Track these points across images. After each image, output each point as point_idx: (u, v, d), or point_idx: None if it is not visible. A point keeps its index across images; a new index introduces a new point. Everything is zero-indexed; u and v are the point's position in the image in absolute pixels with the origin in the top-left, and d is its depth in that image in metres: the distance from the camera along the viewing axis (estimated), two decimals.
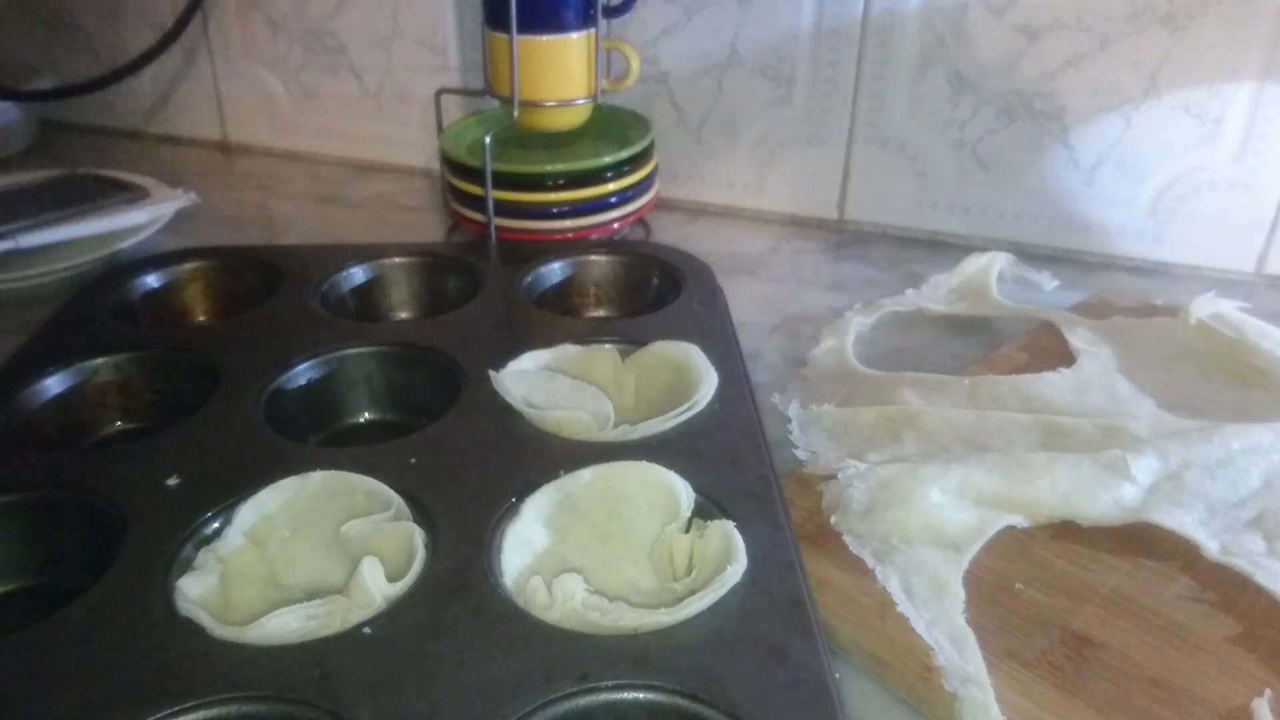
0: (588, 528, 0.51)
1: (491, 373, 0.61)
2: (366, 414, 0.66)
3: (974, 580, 0.48)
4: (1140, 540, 0.50)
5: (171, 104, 1.18)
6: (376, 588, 0.45)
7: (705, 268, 0.78)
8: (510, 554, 0.48)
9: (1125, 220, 0.83)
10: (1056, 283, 0.81)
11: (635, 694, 0.40)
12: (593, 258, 0.79)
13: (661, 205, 0.95)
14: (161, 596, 0.45)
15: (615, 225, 0.84)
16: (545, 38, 0.80)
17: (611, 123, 0.91)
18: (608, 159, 0.82)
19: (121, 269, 0.78)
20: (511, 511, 0.50)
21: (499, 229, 0.82)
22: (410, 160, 1.08)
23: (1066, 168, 0.83)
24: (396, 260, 0.79)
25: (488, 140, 0.78)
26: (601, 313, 0.79)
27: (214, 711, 0.40)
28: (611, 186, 0.82)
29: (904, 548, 0.49)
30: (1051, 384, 0.63)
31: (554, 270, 0.78)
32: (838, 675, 0.41)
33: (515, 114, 0.82)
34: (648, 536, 0.50)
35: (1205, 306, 0.69)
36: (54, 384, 0.63)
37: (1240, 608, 0.46)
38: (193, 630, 0.43)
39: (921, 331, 0.75)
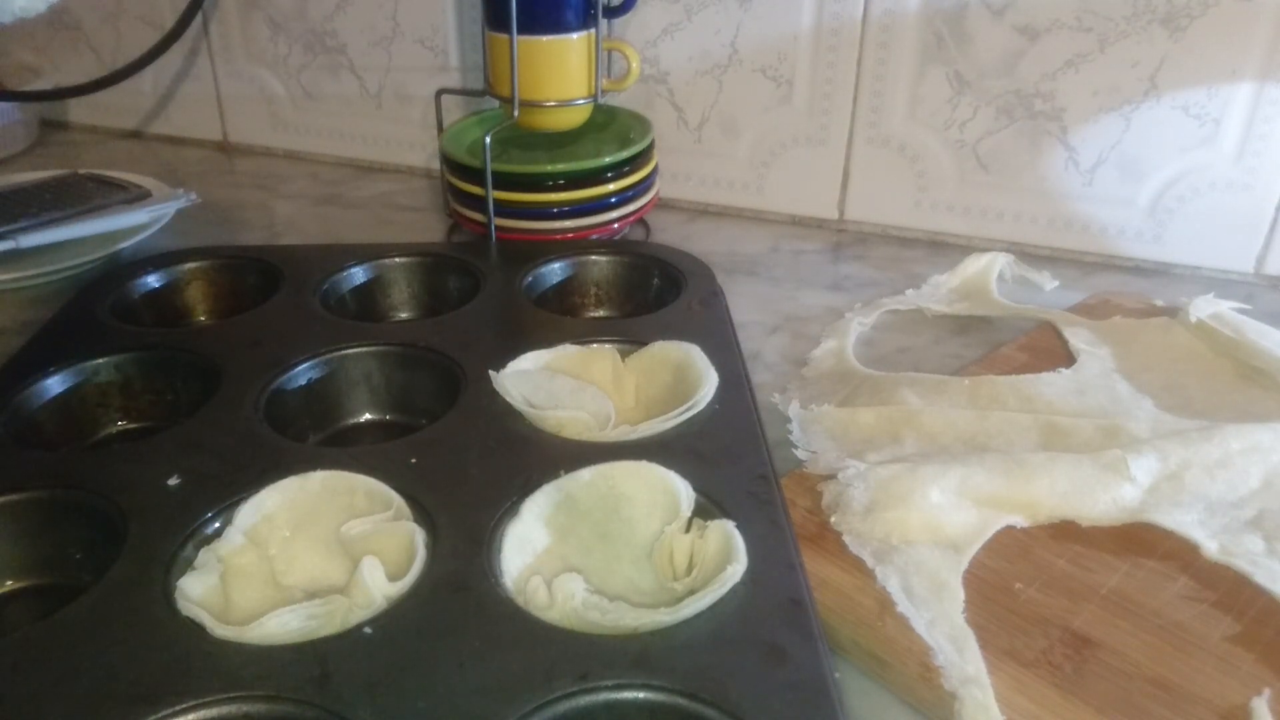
0: (588, 527, 0.51)
1: (491, 373, 0.61)
2: (366, 414, 0.66)
3: (974, 580, 0.48)
4: (1140, 540, 0.50)
5: (172, 104, 1.18)
6: (377, 587, 0.45)
7: (705, 268, 0.78)
8: (510, 554, 0.48)
9: (1125, 220, 0.83)
10: (1056, 283, 0.81)
11: (635, 694, 0.40)
12: (593, 258, 0.79)
13: (661, 205, 0.95)
14: (162, 596, 0.45)
15: (615, 225, 0.84)
16: (545, 38, 0.80)
17: (611, 123, 0.91)
18: (608, 159, 0.82)
19: (122, 269, 0.78)
20: (511, 511, 0.50)
21: (499, 229, 0.82)
22: (410, 160, 1.09)
23: (1066, 168, 0.83)
24: (396, 260, 0.79)
25: (488, 140, 0.78)
26: (601, 313, 0.80)
27: (214, 711, 0.40)
28: (611, 186, 0.82)
29: (904, 548, 0.49)
30: (1051, 384, 0.63)
31: (554, 270, 0.78)
32: (838, 675, 0.41)
33: (515, 114, 0.82)
34: (648, 536, 0.50)
35: (1205, 307, 0.69)
36: (54, 384, 0.63)
37: (1239, 607, 0.46)
38: (193, 630, 0.43)
39: (921, 331, 0.75)
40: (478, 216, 0.83)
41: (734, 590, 0.44)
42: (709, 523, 0.49)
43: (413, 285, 0.79)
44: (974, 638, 0.44)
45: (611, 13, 0.87)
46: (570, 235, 0.82)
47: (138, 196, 0.90)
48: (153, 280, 0.77)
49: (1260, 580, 0.47)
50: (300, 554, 0.50)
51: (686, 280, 0.75)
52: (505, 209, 0.82)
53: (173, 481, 0.52)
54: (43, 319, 0.71)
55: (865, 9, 0.84)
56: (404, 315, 0.79)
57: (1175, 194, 0.81)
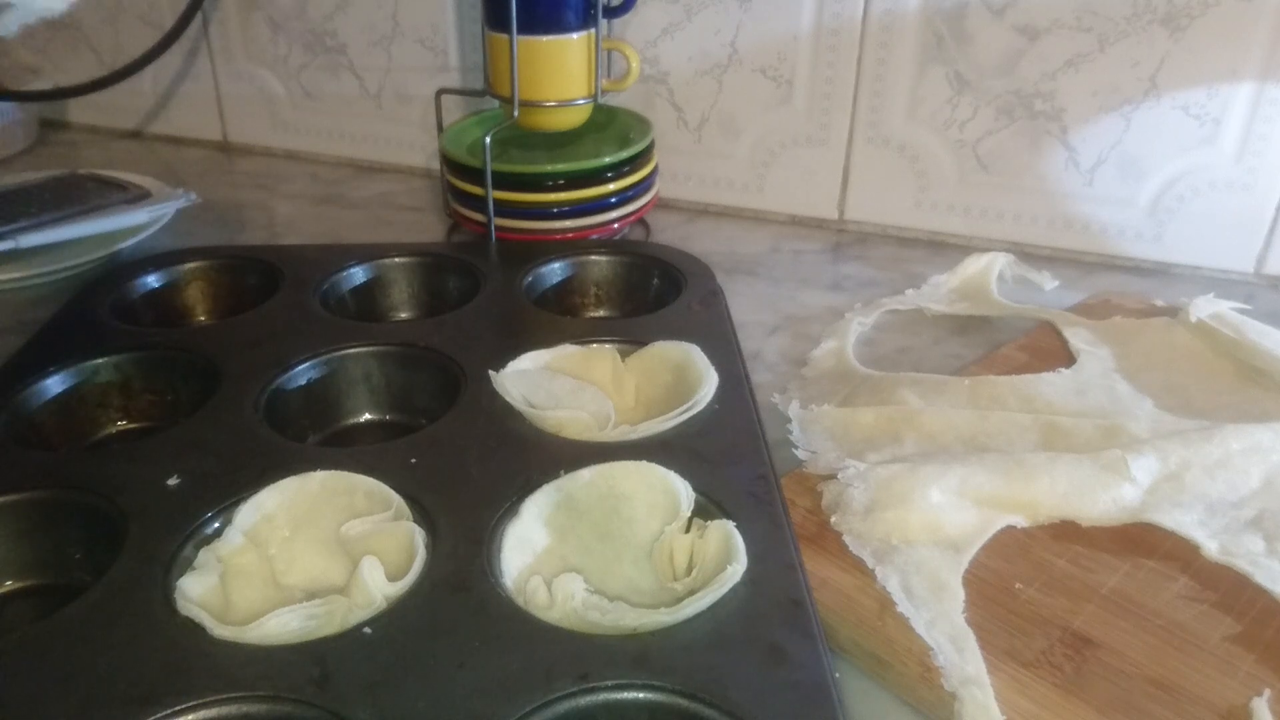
0: (588, 527, 0.51)
1: (491, 373, 0.61)
2: (366, 414, 0.66)
3: (974, 580, 0.48)
4: (1140, 540, 0.50)
5: (172, 104, 1.18)
6: (376, 587, 0.45)
7: (705, 268, 0.78)
8: (510, 554, 0.48)
9: (1125, 220, 0.83)
10: (1056, 283, 0.81)
11: (635, 694, 0.40)
12: (593, 258, 0.79)
13: (661, 205, 0.95)
14: (162, 596, 0.45)
15: (615, 225, 0.84)
16: (545, 38, 0.80)
17: (611, 123, 0.91)
18: (608, 159, 0.82)
19: (121, 269, 0.78)
20: (511, 511, 0.50)
21: (499, 229, 0.82)
22: (410, 160, 1.09)
23: (1066, 168, 0.83)
24: (396, 260, 0.79)
25: (488, 140, 0.78)
26: (601, 313, 0.79)
27: (214, 711, 0.40)
28: (611, 186, 0.82)
29: (904, 548, 0.49)
30: (1051, 384, 0.63)
31: (554, 270, 0.78)
32: (838, 675, 0.41)
33: (515, 114, 0.82)
34: (648, 536, 0.50)
35: (1205, 307, 0.69)
36: (54, 384, 0.63)
37: (1240, 608, 0.46)
38: (193, 630, 0.43)
39: (921, 331, 0.75)
40: (478, 216, 0.83)
41: (734, 590, 0.44)
42: (709, 523, 0.49)
43: (413, 285, 0.79)
44: (974, 638, 0.44)
45: (611, 13, 0.87)
46: (570, 235, 0.82)
47: (138, 196, 0.90)
48: (153, 280, 0.77)
49: (1260, 580, 0.47)
50: (300, 554, 0.50)
51: (686, 280, 0.75)
52: (505, 209, 0.82)
53: (173, 481, 0.52)
54: (43, 319, 0.71)
55: (865, 9, 0.84)
56: (404, 315, 0.79)
57: (1175, 194, 0.81)
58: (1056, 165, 0.83)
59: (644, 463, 0.52)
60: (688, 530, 0.50)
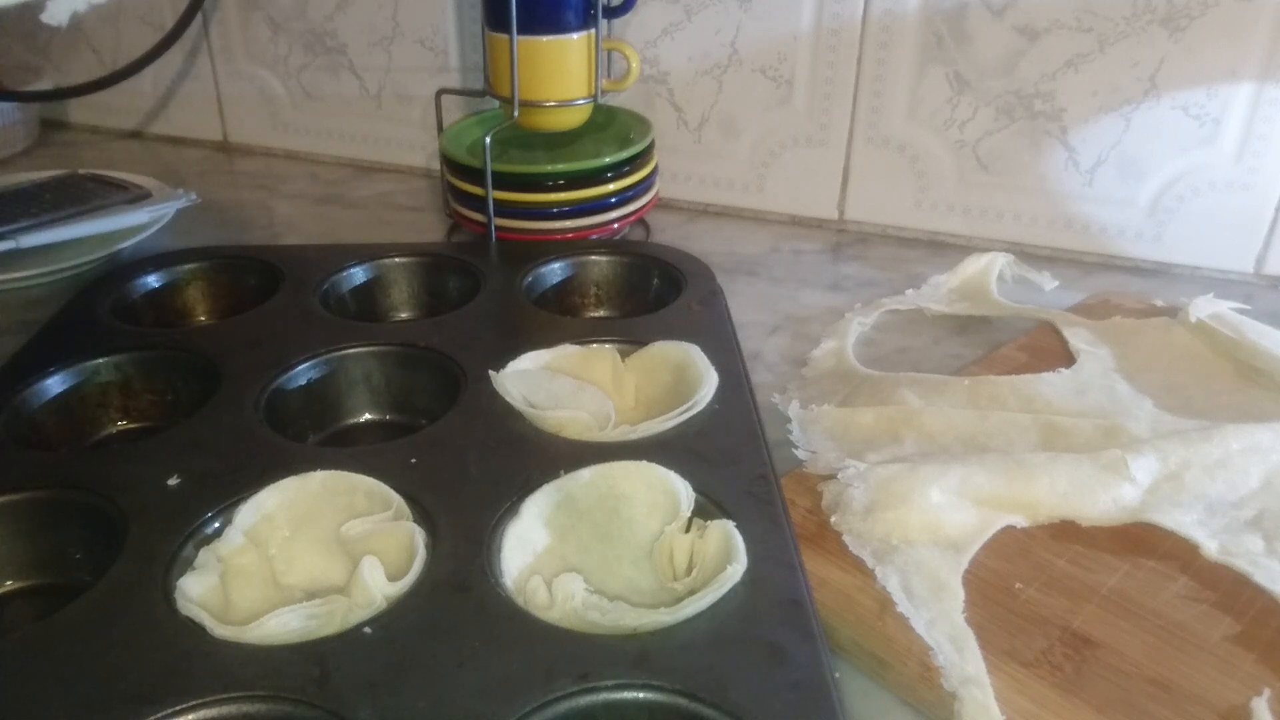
0: (588, 527, 0.51)
1: (491, 373, 0.61)
2: (366, 414, 0.66)
3: (974, 580, 0.48)
4: (1140, 540, 0.50)
5: (172, 104, 1.18)
6: (377, 587, 0.45)
7: (705, 268, 0.78)
8: (510, 554, 0.48)
9: (1125, 220, 0.83)
10: (1056, 283, 0.81)
11: (635, 694, 0.40)
12: (593, 258, 0.79)
13: (661, 205, 0.95)
14: (162, 596, 0.45)
15: (615, 225, 0.84)
16: (545, 38, 0.80)
17: (611, 123, 0.91)
18: (608, 159, 0.82)
19: (122, 269, 0.78)
20: (511, 511, 0.50)
21: (499, 229, 0.82)
22: (410, 160, 1.09)
23: (1066, 168, 0.83)
24: (396, 260, 0.79)
25: (488, 140, 0.78)
26: (601, 313, 0.80)
27: (214, 711, 0.40)
28: (611, 186, 0.82)
29: (904, 548, 0.49)
30: (1051, 384, 0.63)
31: (554, 270, 0.78)
32: (838, 675, 0.41)
33: (515, 114, 0.82)
34: (648, 536, 0.50)
35: (1204, 307, 0.69)
36: (54, 384, 0.63)
37: (1239, 607, 0.46)
38: (193, 630, 0.43)
39: (921, 331, 0.75)
40: (478, 216, 0.83)
41: (734, 590, 0.44)
42: (709, 523, 0.49)
43: (413, 285, 0.79)
44: (974, 638, 0.44)
45: (611, 13, 0.87)
46: (570, 235, 0.82)
47: (138, 196, 0.90)
48: (153, 280, 0.77)
49: (1260, 580, 0.47)
50: (300, 554, 0.50)
51: (686, 280, 0.75)
52: (505, 209, 0.82)
53: (173, 481, 0.52)
54: (43, 319, 0.71)
55: (865, 9, 0.84)
56: (404, 315, 0.79)
57: (1175, 194, 0.81)
58: (1056, 165, 0.83)
59: (644, 463, 0.52)
60: (688, 530, 0.50)
